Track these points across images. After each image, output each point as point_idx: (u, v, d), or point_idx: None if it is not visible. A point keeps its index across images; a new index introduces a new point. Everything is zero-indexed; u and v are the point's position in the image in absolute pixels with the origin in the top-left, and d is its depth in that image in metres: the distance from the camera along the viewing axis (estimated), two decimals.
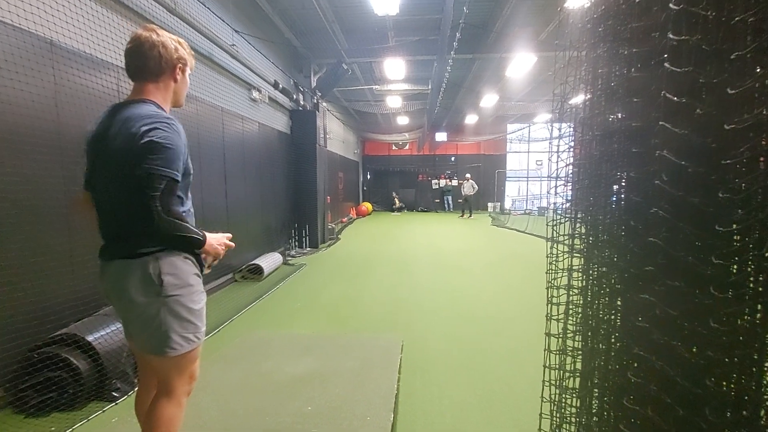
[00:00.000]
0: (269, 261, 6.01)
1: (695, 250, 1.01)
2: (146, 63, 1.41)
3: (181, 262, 1.40)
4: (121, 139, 1.32)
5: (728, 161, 0.95)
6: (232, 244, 1.54)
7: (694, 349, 1.02)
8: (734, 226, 0.97)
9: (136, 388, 1.71)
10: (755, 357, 0.96)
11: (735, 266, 0.98)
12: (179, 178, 1.33)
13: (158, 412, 1.44)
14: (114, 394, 2.49)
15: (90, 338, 2.45)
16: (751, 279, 0.97)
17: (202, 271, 1.51)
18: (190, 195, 1.51)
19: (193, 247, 1.42)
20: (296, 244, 8.25)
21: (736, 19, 0.93)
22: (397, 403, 2.45)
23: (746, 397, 0.98)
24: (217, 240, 1.48)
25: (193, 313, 1.42)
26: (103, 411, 2.37)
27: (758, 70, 0.94)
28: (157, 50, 1.41)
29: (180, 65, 1.48)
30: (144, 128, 1.30)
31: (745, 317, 0.98)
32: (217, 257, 1.51)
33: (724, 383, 1.00)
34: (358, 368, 2.85)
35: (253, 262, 5.74)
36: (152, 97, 1.44)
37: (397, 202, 18.56)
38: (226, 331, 3.72)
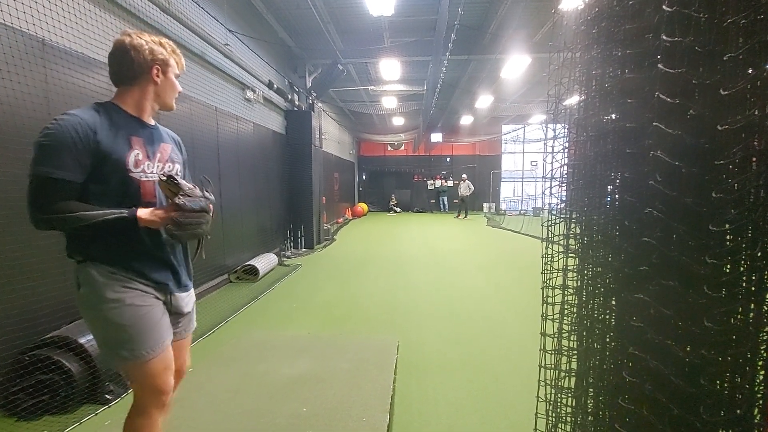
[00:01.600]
0: (264, 262, 5.98)
1: (689, 250, 1.01)
2: (119, 68, 1.42)
3: (100, 275, 1.34)
4: None
5: (721, 162, 0.96)
6: (181, 202, 1.35)
7: (689, 348, 1.02)
8: (727, 226, 0.98)
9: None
10: (748, 356, 0.97)
11: (728, 266, 0.99)
12: (56, 174, 1.25)
13: (126, 423, 1.45)
14: (107, 396, 2.46)
15: (82, 340, 2.43)
16: (744, 278, 0.98)
17: (154, 282, 1.41)
18: (141, 190, 1.38)
19: (117, 225, 1.31)
20: (291, 244, 8.22)
21: (728, 21, 0.94)
22: (393, 404, 2.45)
23: (740, 396, 0.98)
24: (153, 211, 1.36)
25: (120, 328, 1.33)
26: (96, 414, 2.35)
27: (750, 72, 0.95)
28: (128, 55, 1.39)
29: (157, 66, 1.44)
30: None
31: (739, 316, 0.99)
32: (163, 224, 1.36)
33: (718, 382, 1.01)
34: (353, 369, 2.85)
35: (248, 263, 5.72)
36: (119, 100, 1.43)
37: (394, 203, 18.57)
38: (222, 332, 3.70)
